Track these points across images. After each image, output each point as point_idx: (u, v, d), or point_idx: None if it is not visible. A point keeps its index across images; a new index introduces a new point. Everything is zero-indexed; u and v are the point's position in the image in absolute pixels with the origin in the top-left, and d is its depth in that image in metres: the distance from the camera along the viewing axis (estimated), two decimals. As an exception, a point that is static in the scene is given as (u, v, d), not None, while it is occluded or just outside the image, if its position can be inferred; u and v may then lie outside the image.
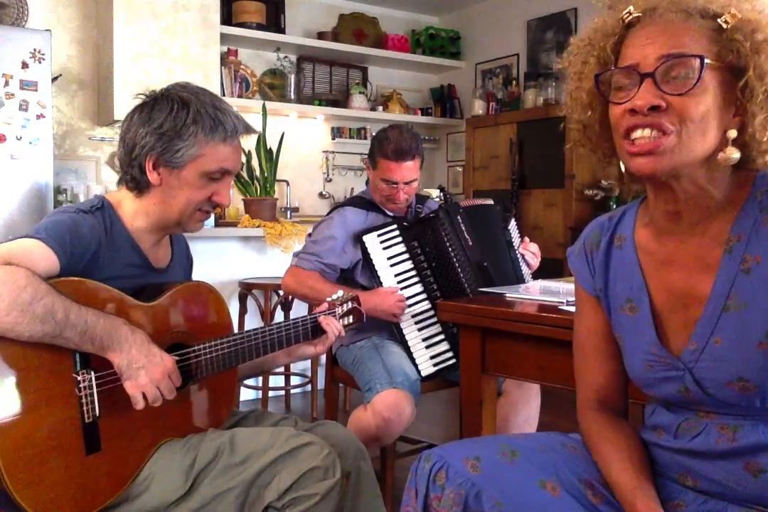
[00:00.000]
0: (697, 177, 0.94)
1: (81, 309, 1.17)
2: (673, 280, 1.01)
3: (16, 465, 1.12)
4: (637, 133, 0.91)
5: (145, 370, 1.21)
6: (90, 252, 1.29)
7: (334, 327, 1.59)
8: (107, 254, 1.33)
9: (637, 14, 0.94)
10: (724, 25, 0.90)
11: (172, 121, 1.32)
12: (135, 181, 1.37)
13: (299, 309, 3.50)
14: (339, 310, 1.65)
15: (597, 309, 1.13)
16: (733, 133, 0.91)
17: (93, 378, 1.21)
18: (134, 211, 1.40)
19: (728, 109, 0.92)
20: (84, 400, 1.20)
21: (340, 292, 1.71)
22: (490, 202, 2.32)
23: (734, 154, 0.91)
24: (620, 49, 0.96)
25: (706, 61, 0.88)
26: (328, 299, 1.68)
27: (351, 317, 1.69)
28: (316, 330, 1.58)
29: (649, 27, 0.93)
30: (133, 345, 1.21)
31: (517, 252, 2.30)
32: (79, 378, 1.19)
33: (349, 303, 1.69)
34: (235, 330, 1.49)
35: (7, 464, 1.11)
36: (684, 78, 0.88)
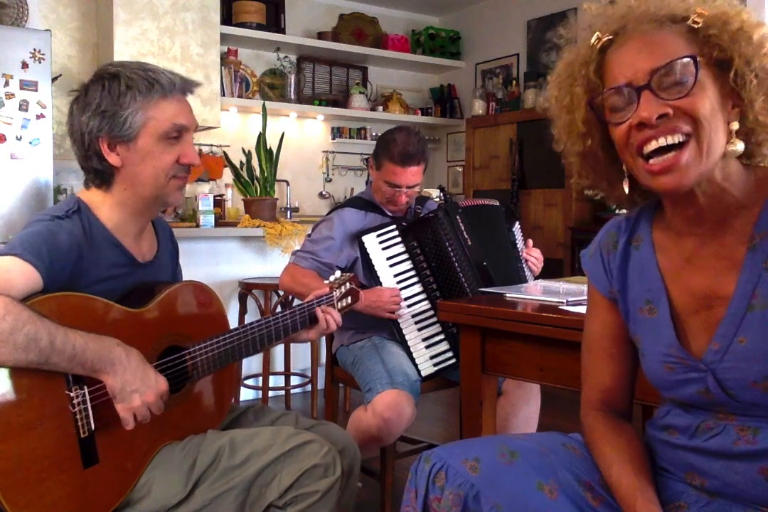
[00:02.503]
0: (714, 176, 0.93)
1: (68, 333, 1.14)
2: (694, 281, 1.00)
3: (13, 486, 1.10)
4: (652, 145, 0.90)
5: (139, 393, 1.20)
6: (71, 260, 1.25)
7: (332, 318, 1.57)
8: (90, 258, 1.29)
9: (608, 37, 0.95)
10: (695, 26, 0.91)
11: (108, 95, 1.29)
12: (97, 172, 1.33)
13: (299, 309, 3.50)
14: (337, 293, 1.64)
15: (609, 311, 1.12)
16: (735, 125, 0.92)
17: (86, 394, 1.19)
18: (109, 206, 1.35)
19: (726, 103, 0.92)
20: (78, 416, 1.18)
21: (338, 273, 1.71)
22: (495, 202, 2.32)
23: (738, 145, 0.92)
24: (603, 74, 0.96)
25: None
26: (326, 281, 1.67)
27: (349, 298, 1.69)
28: (312, 318, 1.56)
29: (627, 43, 0.93)
30: (127, 368, 1.19)
31: (521, 253, 2.30)
32: (72, 394, 1.17)
33: (347, 284, 1.68)
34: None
35: (3, 486, 1.09)
36: (681, 81, 0.89)
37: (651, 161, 0.91)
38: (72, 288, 1.25)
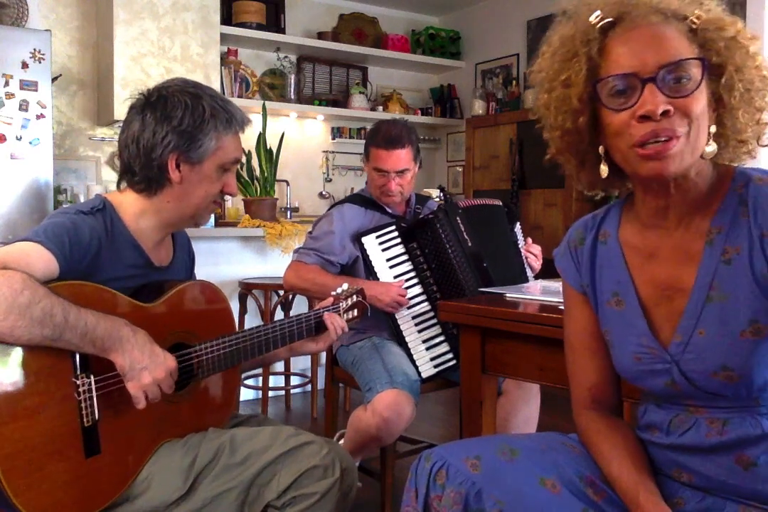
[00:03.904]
0: (689, 172, 0.97)
1: (80, 311, 1.16)
2: (658, 273, 1.04)
3: (15, 470, 1.11)
4: (651, 142, 0.92)
5: (148, 371, 1.21)
6: (90, 254, 1.28)
7: (337, 325, 1.58)
8: (108, 255, 1.32)
9: (609, 19, 0.96)
10: (693, 26, 0.94)
11: (191, 117, 1.33)
12: (148, 181, 1.36)
13: (299, 309, 3.50)
14: (343, 304, 1.64)
15: (585, 306, 1.14)
16: (714, 128, 0.96)
17: (92, 382, 1.20)
18: (140, 211, 1.39)
19: (711, 106, 0.96)
20: (83, 404, 1.19)
21: (345, 285, 1.70)
22: (498, 202, 2.31)
23: (713, 146, 0.96)
24: (604, 55, 0.96)
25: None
26: (333, 293, 1.67)
27: (355, 311, 1.68)
28: (318, 327, 1.57)
29: (633, 31, 0.94)
30: (135, 346, 1.21)
31: (522, 253, 2.30)
32: (78, 382, 1.18)
33: (354, 297, 1.68)
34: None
35: (5, 469, 1.10)
36: (684, 80, 0.91)
37: (645, 146, 0.93)
38: (86, 281, 1.26)
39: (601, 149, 1.01)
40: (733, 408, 0.97)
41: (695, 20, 0.94)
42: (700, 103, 0.92)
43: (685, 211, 1.01)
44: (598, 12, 0.96)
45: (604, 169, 1.02)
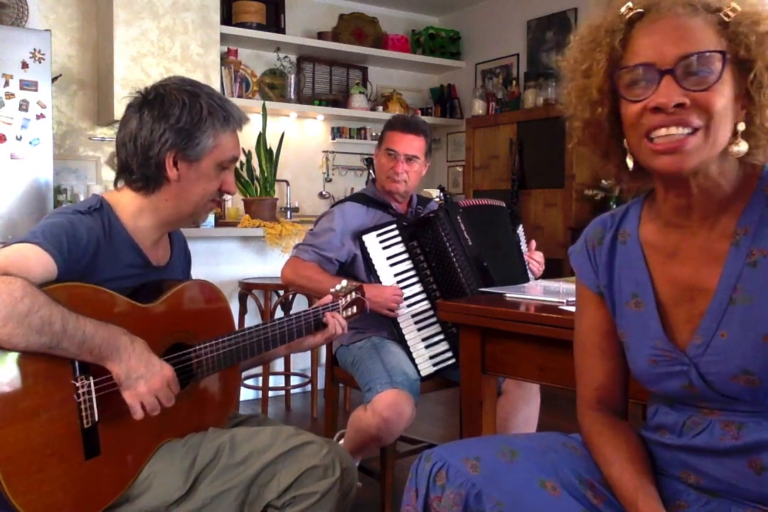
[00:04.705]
0: (711, 170, 0.94)
1: (79, 319, 1.15)
2: (679, 273, 1.01)
3: (15, 472, 1.11)
4: (662, 132, 0.90)
5: (144, 380, 1.20)
6: (88, 254, 1.28)
7: (339, 324, 1.58)
8: (106, 255, 1.32)
9: (639, 10, 0.94)
10: (726, 19, 0.90)
11: (188, 114, 1.33)
12: (146, 179, 1.36)
13: (299, 309, 3.50)
14: (342, 301, 1.64)
15: (598, 306, 1.12)
16: (742, 126, 0.93)
17: (92, 384, 1.20)
18: (138, 209, 1.38)
19: (738, 102, 0.92)
20: (83, 406, 1.19)
21: (344, 282, 1.69)
22: (501, 203, 2.31)
23: (742, 145, 0.93)
24: (627, 46, 0.94)
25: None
26: (332, 290, 1.66)
27: (354, 308, 1.68)
28: (318, 325, 1.57)
29: (658, 22, 0.91)
30: (132, 355, 1.20)
31: (523, 254, 2.30)
32: (77, 384, 1.18)
33: (353, 294, 1.67)
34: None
35: (5, 471, 1.09)
36: (704, 73, 0.88)
37: (656, 141, 0.91)
38: (84, 281, 1.25)
39: (625, 142, 0.99)
40: (749, 413, 0.95)
41: (729, 13, 0.90)
42: (721, 97, 0.89)
43: (710, 212, 0.98)
44: (629, 3, 0.94)
45: (629, 163, 0.99)
